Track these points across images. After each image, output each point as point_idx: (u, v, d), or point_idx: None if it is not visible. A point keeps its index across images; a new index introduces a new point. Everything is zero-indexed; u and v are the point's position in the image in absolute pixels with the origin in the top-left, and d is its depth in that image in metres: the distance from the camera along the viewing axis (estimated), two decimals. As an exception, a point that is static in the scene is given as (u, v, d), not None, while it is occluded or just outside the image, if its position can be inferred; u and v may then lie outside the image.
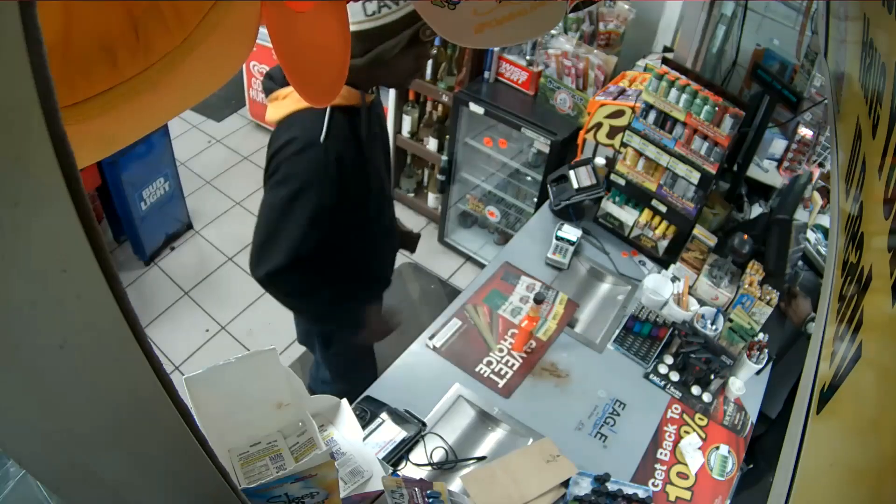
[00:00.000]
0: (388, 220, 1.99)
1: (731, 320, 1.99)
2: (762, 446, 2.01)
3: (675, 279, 2.14)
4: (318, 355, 2.21)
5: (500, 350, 1.98)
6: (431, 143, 3.42)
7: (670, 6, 2.81)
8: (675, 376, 1.96)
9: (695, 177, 2.06)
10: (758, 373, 1.97)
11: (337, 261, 1.87)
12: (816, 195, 2.34)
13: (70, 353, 0.47)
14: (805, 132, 2.36)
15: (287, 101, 1.62)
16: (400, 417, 1.72)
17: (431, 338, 1.99)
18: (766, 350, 1.96)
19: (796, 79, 2.17)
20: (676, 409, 1.89)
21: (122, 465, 0.60)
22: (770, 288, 2.01)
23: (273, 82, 1.69)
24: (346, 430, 1.50)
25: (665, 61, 2.08)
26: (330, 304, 1.86)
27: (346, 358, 2.20)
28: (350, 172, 1.63)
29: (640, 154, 2.18)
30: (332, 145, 1.56)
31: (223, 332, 3.19)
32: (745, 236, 2.11)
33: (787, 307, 2.16)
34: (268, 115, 1.68)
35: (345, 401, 1.53)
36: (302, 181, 1.57)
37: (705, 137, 2.00)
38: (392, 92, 3.38)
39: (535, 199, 3.12)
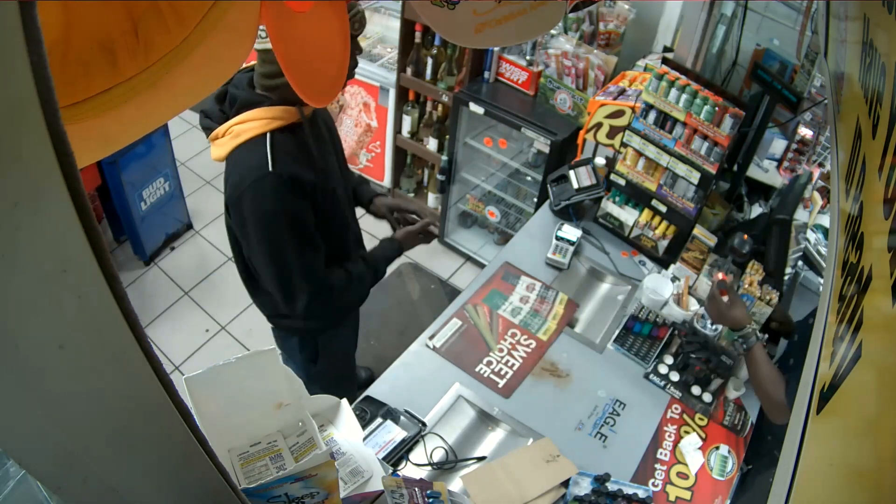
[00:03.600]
0: (352, 224, 1.98)
1: (731, 320, 1.99)
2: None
3: (675, 279, 2.14)
4: (302, 374, 2.17)
5: (500, 350, 1.98)
6: (431, 143, 3.42)
7: (670, 6, 2.81)
8: (675, 376, 1.95)
9: (695, 177, 2.07)
10: (758, 373, 1.97)
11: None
12: (816, 195, 2.34)
13: (70, 353, 0.48)
14: (805, 132, 2.36)
15: (226, 140, 1.59)
16: (400, 417, 1.72)
17: (431, 338, 1.99)
18: (765, 350, 1.96)
19: (796, 79, 2.17)
20: (676, 409, 1.89)
21: (122, 464, 0.60)
22: (770, 288, 2.00)
23: (210, 119, 1.66)
24: (346, 430, 1.50)
25: (665, 61, 2.08)
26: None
27: (328, 374, 2.18)
28: (309, 185, 1.61)
29: (640, 154, 2.18)
30: (282, 168, 1.53)
31: (223, 332, 3.19)
32: (745, 236, 2.11)
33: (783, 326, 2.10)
34: (212, 155, 1.66)
35: (345, 401, 1.53)
36: (274, 213, 1.55)
37: (705, 137, 2.00)
38: (392, 92, 3.38)
39: (535, 199, 3.12)
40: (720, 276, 2.00)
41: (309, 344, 2.06)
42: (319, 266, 1.71)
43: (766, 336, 2.00)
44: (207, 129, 1.66)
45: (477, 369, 1.92)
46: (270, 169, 1.52)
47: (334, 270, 1.78)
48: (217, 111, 1.65)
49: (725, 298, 1.83)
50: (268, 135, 1.55)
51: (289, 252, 1.61)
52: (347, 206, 1.91)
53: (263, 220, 1.56)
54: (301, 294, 1.67)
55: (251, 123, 1.56)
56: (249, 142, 1.56)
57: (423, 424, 1.72)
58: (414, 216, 2.09)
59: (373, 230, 3.72)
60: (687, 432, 1.84)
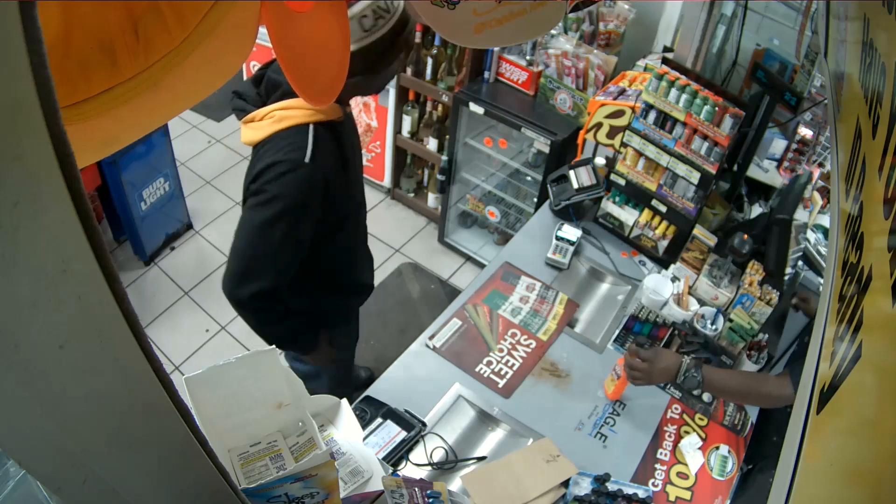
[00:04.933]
0: (365, 227, 1.99)
1: (731, 320, 1.99)
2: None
3: (675, 279, 2.14)
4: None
5: (500, 350, 1.98)
6: (431, 143, 3.42)
7: (670, 6, 2.80)
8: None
9: (695, 177, 2.06)
10: (758, 373, 1.97)
11: (323, 277, 1.86)
12: (816, 195, 2.34)
13: (70, 353, 0.48)
14: (805, 132, 2.36)
15: (264, 123, 1.58)
16: (400, 417, 1.72)
17: (431, 338, 1.99)
18: (766, 350, 1.96)
19: (796, 79, 2.17)
20: (676, 409, 1.89)
21: (121, 464, 0.60)
22: (770, 288, 2.00)
23: (244, 101, 1.64)
24: (346, 430, 1.50)
25: (665, 61, 2.08)
26: (296, 334, 1.84)
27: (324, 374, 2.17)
28: (337, 189, 1.61)
29: (640, 154, 2.18)
30: (319, 165, 1.53)
31: (223, 332, 3.19)
32: (745, 236, 2.11)
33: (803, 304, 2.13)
34: (243, 137, 1.63)
35: (345, 401, 1.53)
36: (289, 202, 1.54)
37: (705, 137, 2.00)
38: (392, 92, 3.38)
39: (535, 199, 3.12)
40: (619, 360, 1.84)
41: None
42: (285, 272, 1.66)
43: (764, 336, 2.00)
44: (240, 111, 1.64)
45: (477, 369, 1.92)
46: (307, 160, 1.51)
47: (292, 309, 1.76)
48: (254, 94, 1.64)
49: (638, 361, 1.71)
50: (311, 126, 1.54)
51: (277, 239, 1.58)
52: (362, 207, 1.92)
53: (276, 202, 1.54)
54: (257, 281, 1.61)
55: (296, 111, 1.55)
56: (292, 128, 1.54)
57: (423, 424, 1.73)
58: None
59: (373, 230, 3.72)
60: (687, 432, 1.84)
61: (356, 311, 2.21)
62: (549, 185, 2.44)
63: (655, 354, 1.71)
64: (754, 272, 2.08)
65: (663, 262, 2.30)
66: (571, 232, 2.28)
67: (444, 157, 3.30)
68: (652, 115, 2.09)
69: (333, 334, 2.04)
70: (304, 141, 1.52)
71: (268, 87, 1.62)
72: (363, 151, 3.73)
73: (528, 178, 3.21)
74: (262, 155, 1.57)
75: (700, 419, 1.87)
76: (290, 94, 1.57)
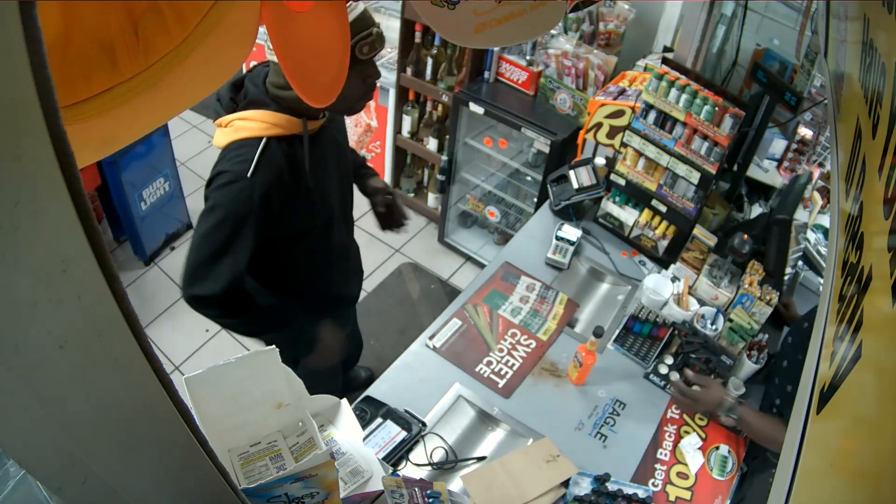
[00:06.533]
0: (341, 243, 1.96)
1: (731, 320, 1.99)
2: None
3: (675, 279, 2.14)
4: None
5: (500, 350, 1.98)
6: (431, 143, 3.42)
7: (670, 6, 2.81)
8: (675, 376, 1.95)
9: (695, 177, 2.06)
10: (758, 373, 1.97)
11: (282, 287, 1.85)
12: (816, 195, 2.34)
13: (70, 353, 0.48)
14: (805, 132, 2.36)
15: (227, 130, 1.59)
16: (400, 417, 1.72)
17: (431, 338, 1.99)
18: (766, 350, 1.96)
19: (796, 79, 2.17)
20: (676, 409, 1.89)
21: (121, 465, 0.60)
22: (770, 288, 2.00)
23: (220, 104, 1.66)
24: (346, 430, 1.50)
25: (665, 61, 2.08)
26: (265, 322, 1.83)
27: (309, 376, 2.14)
28: (282, 206, 1.60)
29: (640, 154, 2.18)
30: (259, 180, 1.53)
31: (223, 332, 3.19)
32: (745, 236, 2.11)
33: (787, 312, 2.17)
34: (214, 140, 1.67)
35: (345, 401, 1.54)
36: (227, 212, 1.56)
37: (705, 137, 2.00)
38: (392, 92, 3.38)
39: (535, 199, 3.12)
40: (676, 375, 1.91)
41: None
42: (228, 280, 1.66)
43: (766, 336, 2.00)
44: (216, 113, 1.66)
45: (477, 369, 1.92)
46: (249, 175, 1.52)
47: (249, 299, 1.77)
48: (228, 99, 1.66)
49: (696, 388, 1.79)
50: (263, 140, 1.54)
51: (213, 249, 1.60)
52: (340, 224, 1.88)
53: (217, 211, 1.57)
54: (205, 286, 1.64)
55: (252, 123, 1.56)
56: (244, 140, 1.55)
57: (423, 424, 1.73)
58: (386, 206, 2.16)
59: (373, 230, 3.72)
60: (687, 432, 1.84)
61: (332, 319, 2.15)
62: (549, 185, 2.44)
63: (707, 392, 1.77)
64: (754, 272, 2.08)
65: (663, 262, 2.29)
66: (571, 232, 2.28)
67: (444, 157, 3.30)
68: (652, 115, 2.09)
69: (297, 336, 2.02)
70: (252, 154, 1.53)
71: (243, 95, 1.63)
72: (363, 152, 3.73)
73: (528, 178, 3.21)
74: (217, 162, 1.60)
75: (700, 419, 1.87)
76: (256, 104, 1.57)
